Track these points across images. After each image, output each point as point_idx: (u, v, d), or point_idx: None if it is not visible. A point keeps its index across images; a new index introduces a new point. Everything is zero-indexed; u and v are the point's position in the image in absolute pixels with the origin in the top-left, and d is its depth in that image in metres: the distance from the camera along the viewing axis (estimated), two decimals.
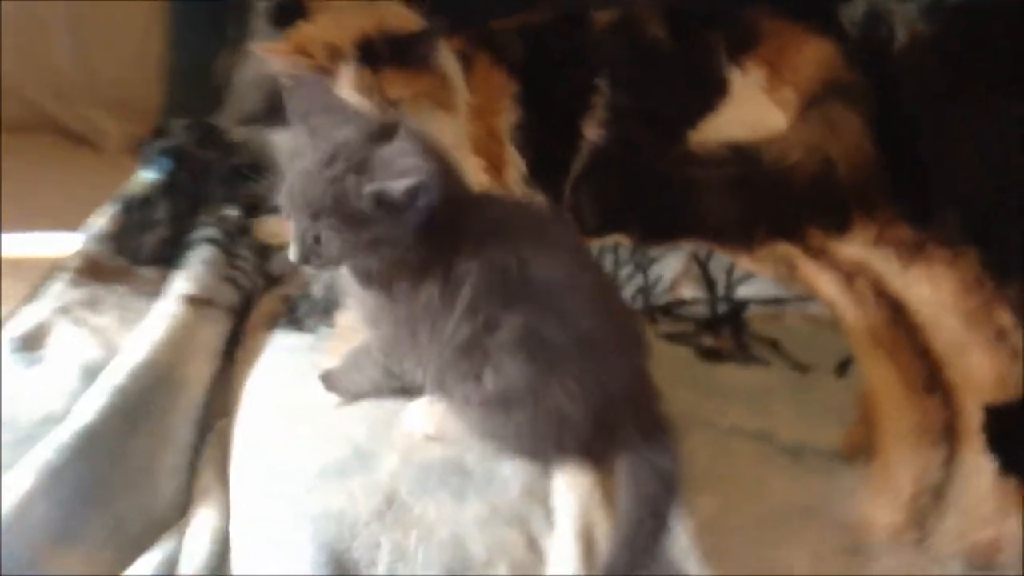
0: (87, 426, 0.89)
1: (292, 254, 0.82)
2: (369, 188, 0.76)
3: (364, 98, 1.17)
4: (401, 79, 1.20)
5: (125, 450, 0.91)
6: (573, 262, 0.86)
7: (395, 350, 0.90)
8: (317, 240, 0.80)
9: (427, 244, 0.81)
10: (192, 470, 0.96)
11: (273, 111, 1.53)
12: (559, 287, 0.82)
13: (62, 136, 1.65)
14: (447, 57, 1.29)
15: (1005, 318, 1.05)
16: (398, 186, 0.75)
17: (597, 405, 0.82)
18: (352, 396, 0.96)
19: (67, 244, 1.22)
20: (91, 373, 0.99)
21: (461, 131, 1.29)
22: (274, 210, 1.38)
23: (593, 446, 0.85)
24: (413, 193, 0.76)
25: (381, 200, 0.76)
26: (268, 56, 1.23)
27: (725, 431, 0.92)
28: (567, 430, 0.83)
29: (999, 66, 1.29)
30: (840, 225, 1.27)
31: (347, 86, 1.18)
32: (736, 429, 0.92)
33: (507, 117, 1.35)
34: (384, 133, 0.82)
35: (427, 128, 1.17)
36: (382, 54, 1.19)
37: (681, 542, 0.82)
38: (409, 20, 1.26)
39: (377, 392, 0.95)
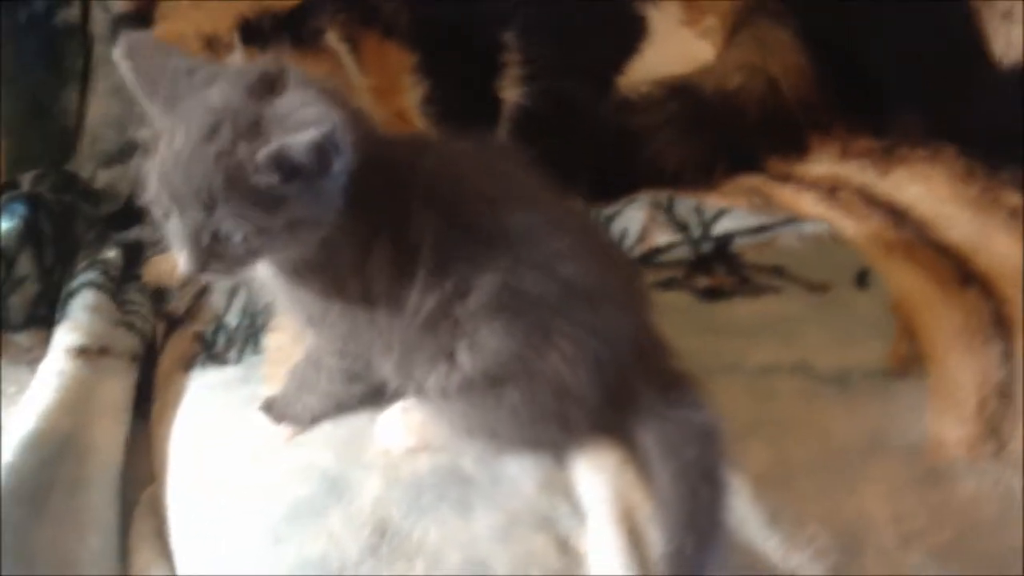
0: None
1: (184, 263, 0.62)
2: (264, 152, 0.57)
3: None
4: (296, 61, 1.03)
5: (33, 542, 0.72)
6: (546, 202, 0.70)
7: (354, 345, 0.71)
8: (216, 237, 0.59)
9: (362, 207, 0.63)
10: (124, 553, 0.77)
11: (133, 149, 1.36)
12: (538, 231, 0.66)
13: None
14: (333, 38, 1.14)
15: (1014, 198, 0.95)
16: (299, 141, 0.56)
17: (602, 367, 0.66)
18: (308, 421, 0.78)
19: None
20: None
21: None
22: (161, 250, 1.22)
23: (607, 417, 0.69)
24: (321, 149, 0.56)
25: (283, 164, 0.57)
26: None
27: (756, 371, 0.78)
28: (572, 403, 0.67)
29: None
30: (798, 148, 1.16)
31: None
32: (768, 367, 0.78)
33: (412, 94, 1.19)
34: (269, 84, 0.62)
35: None
36: (269, 34, 1.04)
37: (736, 507, 0.68)
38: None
39: (338, 408, 0.77)
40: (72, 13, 1.37)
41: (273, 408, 0.79)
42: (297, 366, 0.79)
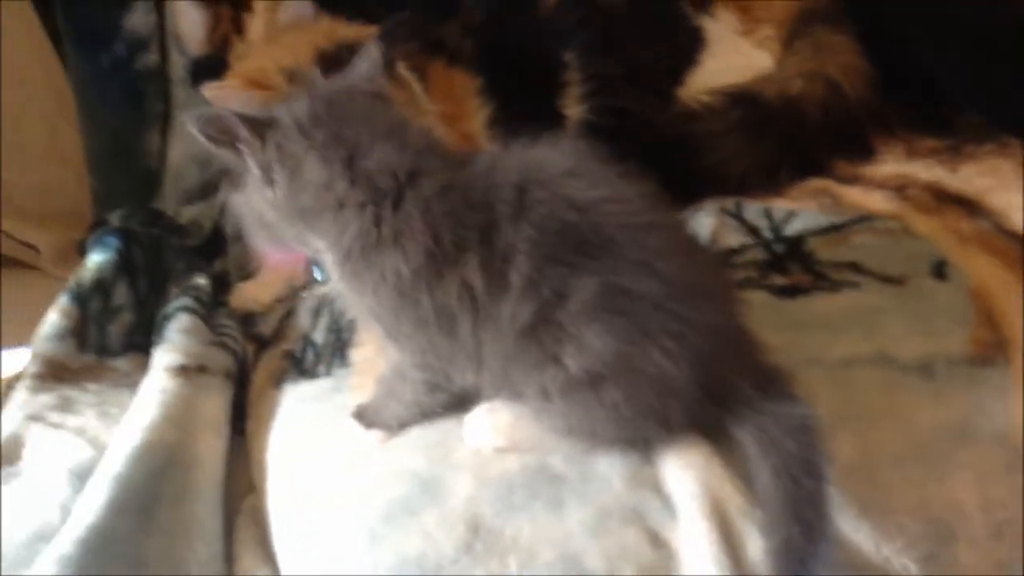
0: (91, 528, 0.73)
1: None
2: None
3: None
4: None
5: (142, 550, 0.75)
6: (634, 199, 0.70)
7: (432, 358, 0.73)
8: None
9: (429, 230, 0.67)
10: (228, 560, 0.80)
11: (215, 185, 1.41)
12: (632, 230, 0.67)
13: None
14: (403, 67, 1.18)
15: None
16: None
17: (701, 361, 0.66)
18: (396, 427, 0.81)
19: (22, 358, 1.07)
20: (82, 476, 0.83)
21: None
22: (245, 277, 1.27)
23: (704, 412, 0.69)
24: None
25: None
26: (220, 97, 1.09)
27: (839, 364, 0.78)
28: (672, 398, 0.67)
29: None
30: (863, 150, 1.16)
31: None
32: (850, 359, 0.78)
33: (478, 116, 1.22)
34: None
35: None
36: (345, 64, 1.07)
37: None
38: (357, 30, 1.15)
39: (424, 416, 0.80)
40: (151, 58, 1.43)
41: (363, 415, 0.82)
42: (384, 376, 0.81)
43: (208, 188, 1.41)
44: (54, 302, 1.09)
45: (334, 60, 1.07)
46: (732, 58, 1.26)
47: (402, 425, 0.81)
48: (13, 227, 1.46)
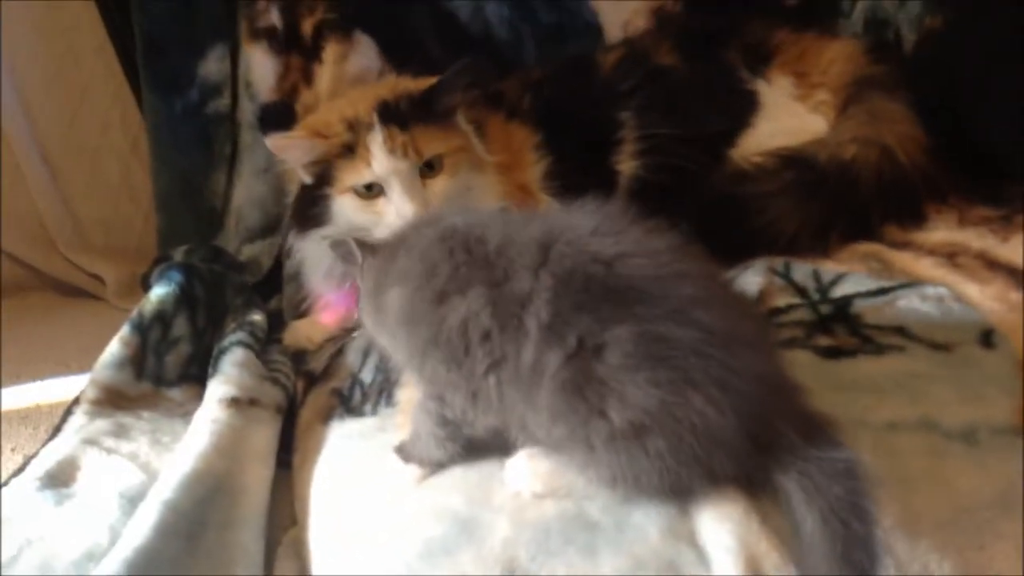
0: (138, 550, 0.75)
1: None
2: None
3: (398, 160, 1.09)
4: (432, 135, 1.12)
5: (187, 573, 0.76)
6: (667, 254, 0.72)
7: (445, 390, 0.76)
8: None
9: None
10: None
11: (275, 226, 1.46)
12: (664, 282, 0.68)
13: (55, 292, 1.56)
14: (461, 119, 1.21)
15: None
16: None
17: (745, 409, 0.66)
18: (428, 463, 0.82)
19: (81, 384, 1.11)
20: (132, 500, 0.86)
21: (493, 191, 1.20)
22: (303, 314, 1.31)
23: (749, 461, 0.69)
24: None
25: None
26: (283, 147, 1.14)
27: (883, 427, 0.77)
28: (717, 447, 0.67)
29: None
30: (916, 217, 1.18)
31: (378, 152, 1.09)
32: (894, 423, 0.78)
33: (534, 169, 1.25)
34: None
35: (467, 187, 1.14)
36: (406, 112, 1.12)
37: None
38: (418, 82, 1.19)
39: (446, 453, 0.81)
40: (223, 103, 1.50)
41: (403, 450, 0.84)
42: (414, 409, 0.83)
43: (268, 229, 1.47)
44: (117, 332, 1.14)
45: (394, 110, 1.12)
46: (786, 122, 1.28)
47: (433, 461, 0.82)
48: (82, 259, 1.52)
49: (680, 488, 0.71)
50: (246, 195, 1.48)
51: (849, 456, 0.67)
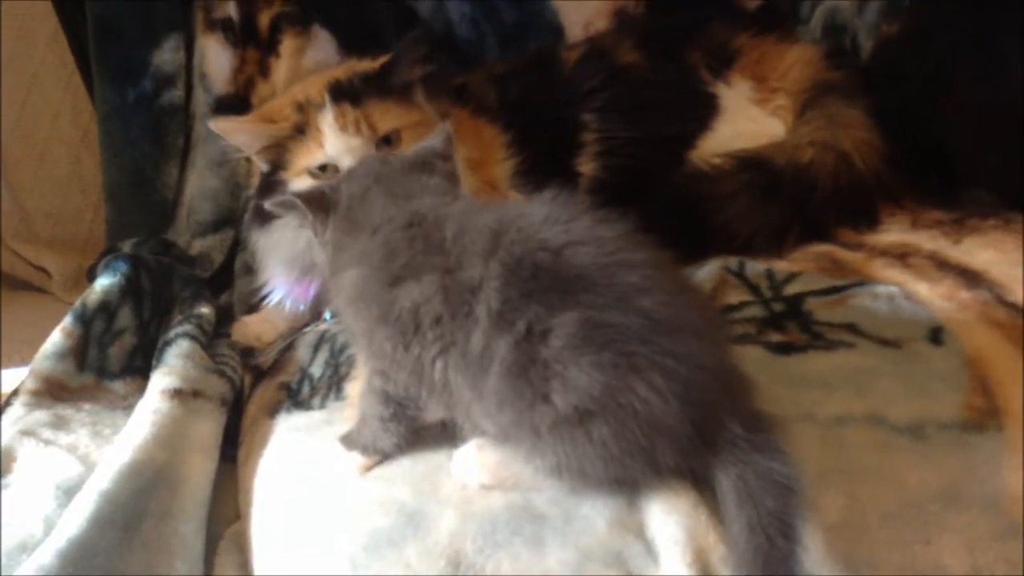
0: (72, 540, 0.73)
1: None
2: None
3: (351, 137, 1.07)
4: (387, 109, 1.10)
5: (123, 565, 0.75)
6: (616, 242, 0.72)
7: (391, 367, 0.75)
8: None
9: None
10: None
11: (227, 220, 1.44)
12: (610, 270, 0.68)
13: None
14: (419, 95, 1.20)
15: None
16: None
17: (691, 397, 0.66)
18: (372, 450, 0.81)
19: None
20: (69, 492, 0.83)
21: (465, 174, 1.17)
22: (252, 309, 1.28)
23: (692, 455, 0.68)
24: None
25: None
26: (227, 130, 1.12)
27: (830, 421, 0.77)
28: (661, 435, 0.67)
29: (984, 32, 1.24)
30: (869, 219, 1.19)
31: (329, 132, 1.07)
32: (842, 417, 0.78)
33: (504, 167, 1.25)
34: None
35: None
36: (359, 88, 1.10)
37: (811, 554, 0.67)
38: (370, 63, 1.18)
39: (390, 437, 0.80)
40: (176, 94, 1.48)
41: (347, 439, 0.83)
42: (361, 393, 0.83)
43: (221, 223, 1.44)
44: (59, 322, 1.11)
45: (346, 88, 1.11)
46: (745, 125, 1.29)
47: (378, 448, 0.81)
48: (28, 251, 1.48)
49: (626, 478, 0.71)
50: (199, 188, 1.45)
51: (787, 471, 0.66)
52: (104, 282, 1.13)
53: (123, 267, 1.15)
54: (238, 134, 1.12)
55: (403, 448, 0.81)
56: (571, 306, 0.67)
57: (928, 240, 1.09)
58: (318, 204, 0.82)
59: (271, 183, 1.13)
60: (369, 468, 0.80)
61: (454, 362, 0.71)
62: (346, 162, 1.07)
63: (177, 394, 0.93)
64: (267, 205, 0.85)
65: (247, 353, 1.17)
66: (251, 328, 1.21)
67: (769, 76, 1.32)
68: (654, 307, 0.67)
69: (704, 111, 1.29)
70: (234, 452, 0.97)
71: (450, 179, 0.85)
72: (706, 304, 0.78)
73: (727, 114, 1.29)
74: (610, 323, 0.66)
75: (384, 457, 0.81)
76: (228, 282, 1.39)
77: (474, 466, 0.76)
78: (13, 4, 1.46)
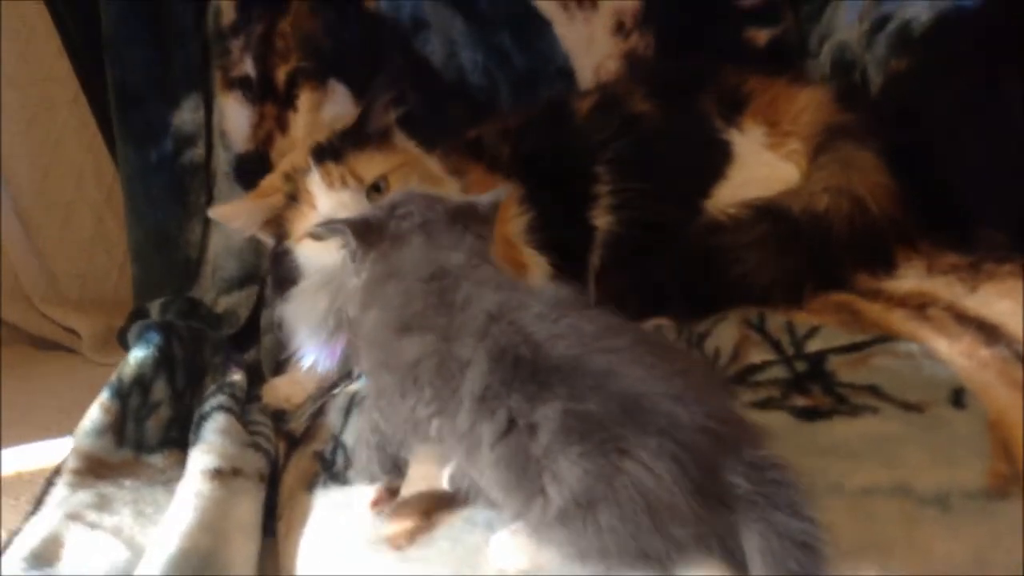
0: None
1: None
2: None
3: (340, 192, 1.10)
4: (369, 158, 1.14)
5: None
6: (597, 333, 0.74)
7: (383, 403, 0.82)
8: None
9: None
10: None
11: (252, 276, 1.46)
12: (583, 358, 0.71)
13: (28, 346, 1.55)
14: (401, 138, 1.24)
15: None
16: None
17: (684, 465, 0.66)
18: (367, 475, 0.89)
19: (62, 449, 1.10)
20: None
21: None
22: (280, 366, 1.31)
23: (705, 521, 0.68)
24: None
25: None
26: (227, 215, 1.17)
27: (858, 493, 0.79)
28: (666, 511, 0.67)
29: (995, 70, 1.25)
30: (886, 264, 1.19)
31: (319, 191, 1.11)
32: (870, 488, 0.79)
33: (518, 222, 1.27)
34: None
35: None
36: (338, 145, 1.14)
37: None
38: (346, 119, 1.22)
39: (374, 466, 0.88)
40: (197, 153, 1.51)
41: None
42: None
43: (246, 279, 1.47)
44: (96, 396, 1.13)
45: (327, 149, 1.14)
46: (759, 171, 1.30)
47: (366, 475, 0.90)
48: (57, 313, 1.51)
49: (648, 555, 0.70)
50: (223, 245, 1.48)
51: (807, 527, 0.66)
52: (138, 354, 1.16)
53: (155, 338, 1.18)
54: (237, 218, 1.16)
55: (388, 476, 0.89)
56: (549, 398, 0.69)
57: (944, 287, 1.10)
58: (364, 236, 0.87)
59: (280, 255, 1.16)
60: (399, 540, 0.83)
61: (447, 428, 0.75)
62: (339, 214, 1.08)
63: (217, 474, 0.95)
64: (316, 229, 0.94)
65: (278, 416, 1.19)
66: (281, 391, 1.24)
67: (781, 120, 1.33)
68: (630, 386, 0.69)
69: (718, 159, 1.30)
70: (273, 524, 0.99)
71: (484, 240, 0.88)
72: (692, 365, 0.78)
73: (741, 161, 1.30)
74: (589, 412, 0.68)
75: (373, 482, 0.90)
76: (255, 337, 1.42)
77: (511, 551, 0.78)
78: (35, 68, 1.49)
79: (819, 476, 0.80)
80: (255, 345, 1.41)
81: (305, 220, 1.12)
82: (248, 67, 1.50)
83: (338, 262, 1.09)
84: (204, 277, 1.50)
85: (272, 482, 1.05)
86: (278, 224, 1.15)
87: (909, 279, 1.15)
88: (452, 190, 1.21)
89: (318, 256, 1.12)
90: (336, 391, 1.19)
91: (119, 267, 1.53)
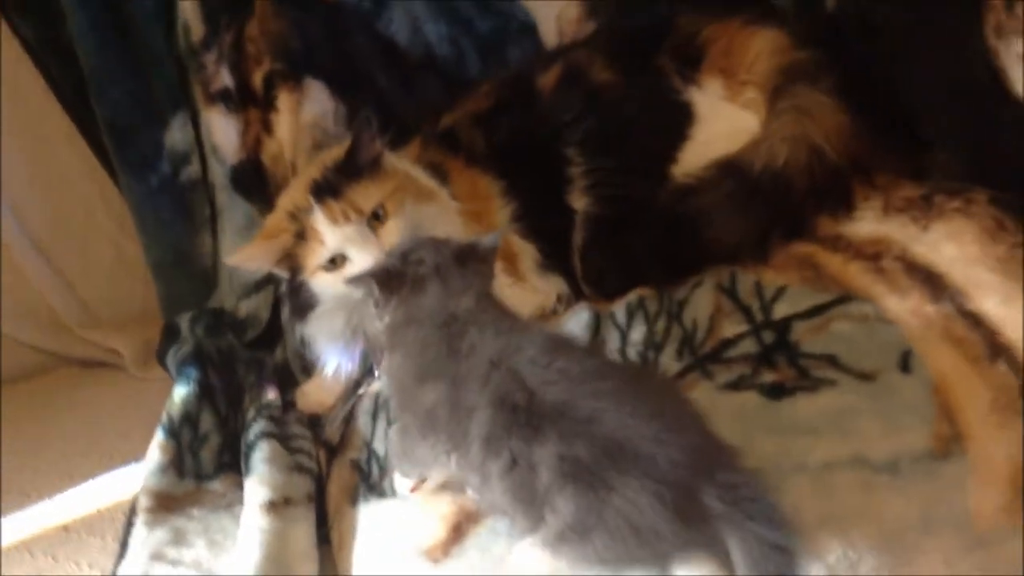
0: None
1: None
2: None
3: (344, 226, 1.18)
4: (365, 189, 1.21)
5: None
6: (584, 376, 0.86)
7: (405, 441, 0.97)
8: None
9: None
10: None
11: (268, 278, 1.56)
12: (572, 403, 0.83)
13: (76, 367, 1.68)
14: (392, 161, 1.30)
15: None
16: None
17: (664, 497, 0.79)
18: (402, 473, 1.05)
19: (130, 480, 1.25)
20: None
21: (447, 217, 1.30)
22: (306, 366, 1.43)
23: (690, 537, 0.82)
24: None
25: None
26: (245, 260, 1.26)
27: (819, 468, 0.91)
28: (652, 534, 0.80)
29: None
30: (846, 205, 1.27)
31: (324, 228, 1.19)
32: (830, 463, 0.91)
33: (503, 213, 1.35)
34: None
35: (419, 219, 1.23)
36: (334, 181, 1.21)
37: None
38: (336, 150, 1.28)
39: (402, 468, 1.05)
40: (193, 169, 1.59)
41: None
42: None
43: (263, 282, 1.58)
44: (144, 412, 1.27)
45: (323, 185, 1.21)
46: (720, 126, 1.36)
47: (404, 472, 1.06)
48: (96, 336, 1.64)
49: (645, 558, 0.85)
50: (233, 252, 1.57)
51: (779, 535, 0.79)
52: (181, 392, 1.29)
53: (193, 373, 1.31)
54: (252, 261, 1.26)
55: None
56: (544, 441, 0.81)
57: (899, 229, 1.18)
58: (387, 285, 0.97)
59: (297, 288, 1.26)
60: (436, 553, 0.99)
61: (463, 461, 0.89)
62: (349, 248, 1.19)
63: (272, 507, 1.10)
64: (347, 281, 1.03)
65: (315, 422, 1.33)
66: (312, 397, 1.37)
67: (737, 70, 1.38)
68: (613, 432, 0.81)
69: (680, 122, 1.36)
70: (326, 532, 1.14)
71: (485, 277, 0.99)
72: (670, 405, 0.89)
73: (702, 119, 1.37)
74: (578, 455, 0.80)
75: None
76: (280, 336, 1.53)
77: (531, 559, 0.90)
78: (28, 111, 1.56)
79: (784, 457, 0.93)
80: (279, 342, 1.53)
81: (315, 255, 1.21)
82: (225, 78, 1.56)
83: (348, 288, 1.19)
84: (223, 283, 1.60)
85: (319, 487, 1.20)
86: (291, 260, 1.24)
87: (867, 221, 1.23)
88: (443, 199, 1.30)
89: (333, 285, 1.21)
90: (361, 391, 1.32)
91: (143, 284, 1.64)
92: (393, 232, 1.20)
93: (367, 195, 1.21)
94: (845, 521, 0.87)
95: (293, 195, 1.26)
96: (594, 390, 0.84)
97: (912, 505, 0.88)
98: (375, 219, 1.21)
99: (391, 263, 0.99)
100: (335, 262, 1.21)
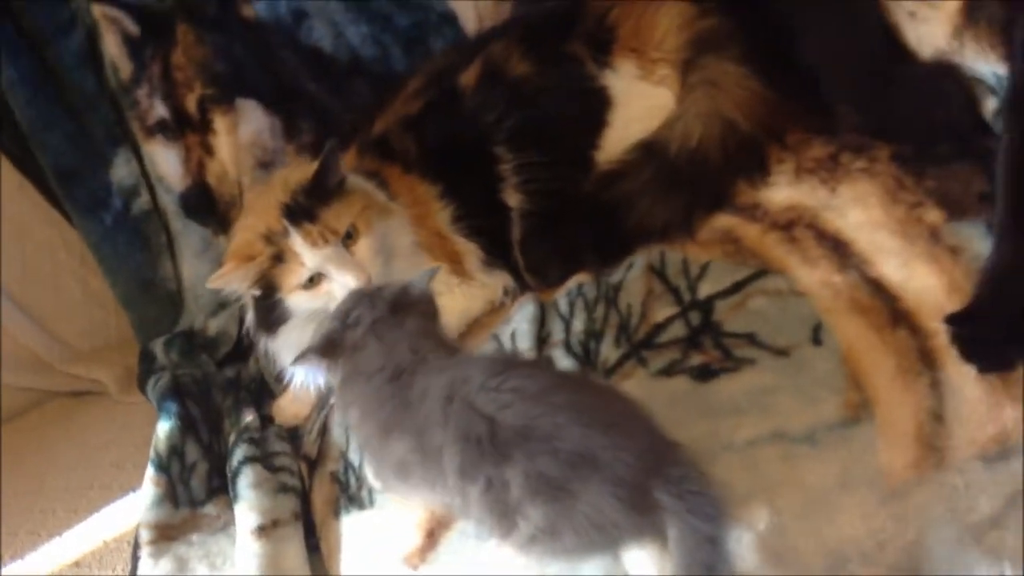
0: None
1: None
2: None
3: (323, 247, 1.25)
4: (337, 211, 1.27)
5: None
6: (538, 395, 0.93)
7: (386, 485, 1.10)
8: None
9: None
10: None
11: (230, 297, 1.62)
12: (531, 423, 0.91)
13: (68, 398, 1.77)
14: (358, 180, 1.36)
15: (933, 214, 1.13)
16: None
17: (622, 498, 0.88)
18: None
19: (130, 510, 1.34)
20: None
21: (405, 230, 1.37)
22: (279, 376, 1.51)
23: (642, 529, 0.92)
24: None
25: None
26: (222, 282, 1.31)
27: (745, 446, 1.00)
28: (611, 529, 0.90)
29: None
30: (761, 170, 1.34)
31: (304, 251, 1.25)
32: (753, 440, 1.00)
33: (443, 215, 1.42)
34: None
35: (384, 236, 1.31)
36: (306, 205, 1.27)
37: (747, 558, 0.92)
38: (306, 168, 1.33)
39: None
40: (144, 200, 1.65)
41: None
42: None
43: (225, 301, 1.64)
44: (134, 437, 1.36)
45: (296, 209, 1.27)
46: (637, 106, 1.43)
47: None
48: (78, 368, 1.72)
49: (603, 547, 0.96)
50: (194, 275, 1.65)
51: (712, 528, 0.88)
52: (164, 427, 1.38)
53: (173, 407, 1.39)
54: (231, 282, 1.31)
55: None
56: (511, 462, 0.90)
57: (809, 195, 1.26)
58: (329, 353, 1.05)
59: (270, 304, 1.32)
60: (414, 559, 1.08)
61: (441, 488, 0.97)
62: (328, 267, 1.25)
63: (262, 531, 1.19)
64: (293, 364, 1.10)
65: (294, 434, 1.41)
66: (288, 411, 1.45)
67: (647, 48, 1.43)
68: (574, 446, 0.89)
69: (598, 108, 1.43)
70: (315, 541, 1.25)
71: (427, 316, 1.07)
72: (620, 410, 0.97)
73: (619, 103, 1.43)
74: (543, 471, 0.89)
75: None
76: (250, 349, 1.60)
77: (501, 558, 1.02)
78: None
79: (713, 438, 1.02)
80: (252, 354, 1.60)
81: (296, 275, 1.27)
82: (160, 110, 1.61)
83: (323, 305, 1.27)
84: (189, 305, 1.67)
85: (304, 501, 1.29)
86: (267, 281, 1.30)
87: (781, 187, 1.31)
88: (398, 211, 1.37)
89: (308, 302, 1.29)
90: (333, 400, 1.40)
91: (114, 313, 1.71)
92: (366, 247, 1.28)
93: (339, 217, 1.27)
94: (771, 491, 0.96)
95: (264, 217, 1.30)
96: (550, 406, 0.92)
97: (830, 470, 0.96)
98: (347, 238, 1.28)
99: (331, 329, 1.07)
100: (312, 280, 1.27)
